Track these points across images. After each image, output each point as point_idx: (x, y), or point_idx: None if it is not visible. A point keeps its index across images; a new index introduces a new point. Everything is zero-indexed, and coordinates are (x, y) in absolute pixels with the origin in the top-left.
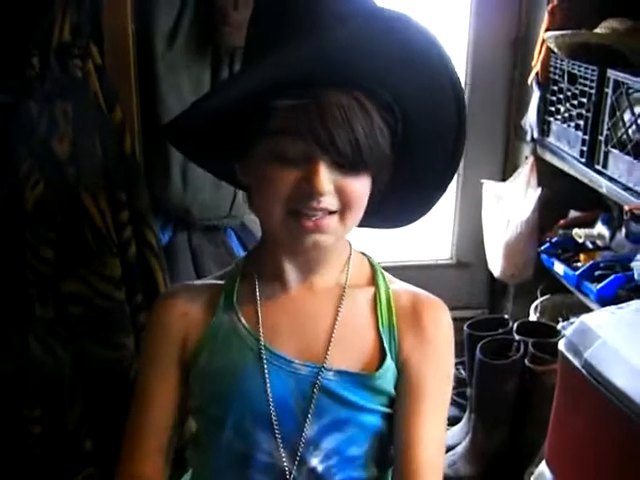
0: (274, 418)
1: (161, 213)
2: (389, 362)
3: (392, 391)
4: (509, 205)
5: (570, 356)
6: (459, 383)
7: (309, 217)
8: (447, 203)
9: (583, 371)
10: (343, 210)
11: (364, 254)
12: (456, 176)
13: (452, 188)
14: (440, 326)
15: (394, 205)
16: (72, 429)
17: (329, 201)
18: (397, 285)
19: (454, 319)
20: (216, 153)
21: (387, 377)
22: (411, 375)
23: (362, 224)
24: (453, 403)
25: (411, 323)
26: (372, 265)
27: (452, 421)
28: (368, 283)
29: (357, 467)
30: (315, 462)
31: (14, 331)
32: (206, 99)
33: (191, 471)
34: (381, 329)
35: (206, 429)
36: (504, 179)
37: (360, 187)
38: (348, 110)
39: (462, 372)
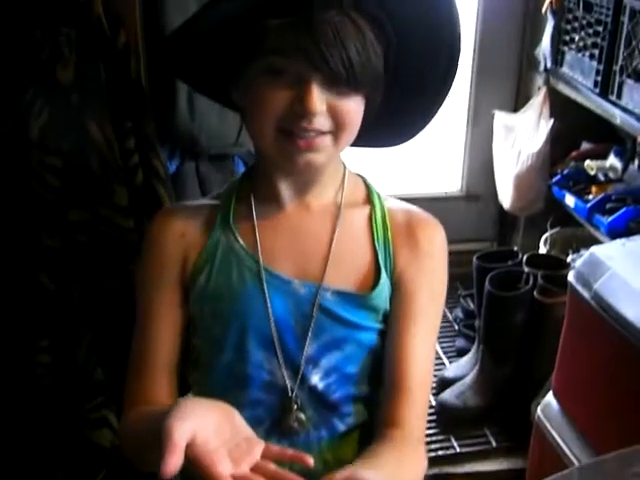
0: (275, 337)
1: (168, 142)
2: (384, 279)
3: (387, 307)
4: (520, 137)
5: (579, 287)
6: (468, 315)
7: (301, 137)
8: (457, 134)
9: (592, 302)
10: (336, 131)
11: (358, 175)
12: (467, 107)
13: (463, 119)
14: (434, 242)
15: (387, 124)
16: (82, 359)
17: (321, 122)
18: (392, 203)
19: (463, 252)
20: (211, 75)
21: (383, 295)
22: (405, 290)
23: (355, 144)
24: (461, 335)
25: (406, 239)
26: (367, 185)
27: (460, 352)
28: (363, 202)
29: (354, 384)
30: (315, 380)
31: (22, 262)
32: (201, 14)
33: (192, 392)
34: (377, 246)
35: (206, 350)
36: (516, 110)
37: (353, 107)
38: (341, 28)
39: (471, 304)
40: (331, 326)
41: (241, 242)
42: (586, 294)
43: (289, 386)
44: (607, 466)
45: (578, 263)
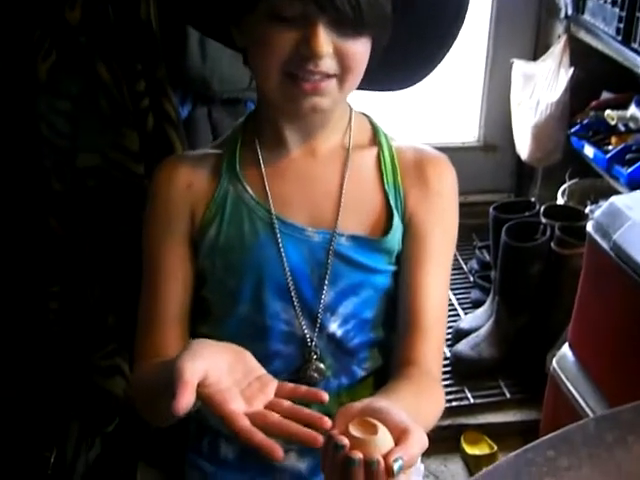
0: (291, 287)
1: (180, 87)
2: (397, 221)
3: (400, 248)
4: (539, 86)
5: (598, 238)
6: (483, 266)
7: (307, 80)
8: (475, 83)
9: (611, 253)
10: (342, 74)
11: (364, 114)
12: (485, 55)
13: (480, 67)
14: (444, 179)
15: (393, 67)
16: (93, 305)
17: (328, 64)
18: (399, 142)
19: (479, 203)
20: (216, 18)
21: (396, 237)
22: (417, 230)
23: (361, 87)
24: (476, 286)
25: (415, 178)
26: (373, 125)
27: (476, 304)
28: (370, 143)
29: (371, 329)
30: (334, 327)
31: (32, 207)
32: None
33: None
34: (387, 188)
35: (220, 303)
36: (535, 58)
37: (360, 49)
38: None
39: (486, 256)
40: (347, 272)
41: (250, 191)
42: (605, 244)
43: (307, 336)
44: (623, 416)
45: (597, 213)
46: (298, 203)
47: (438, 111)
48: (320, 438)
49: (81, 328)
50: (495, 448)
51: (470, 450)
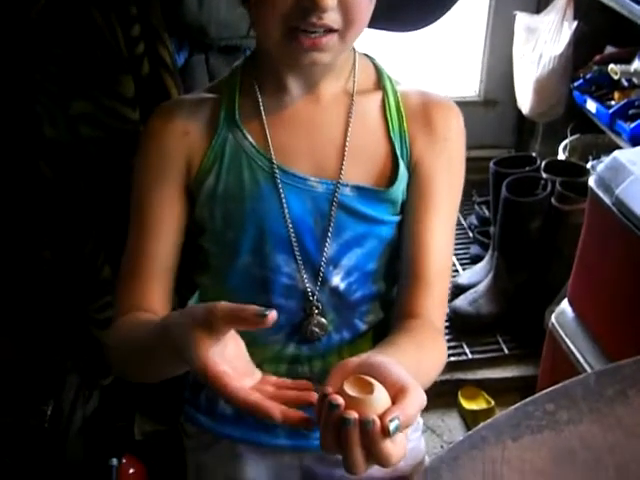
0: (293, 239)
1: (176, 34)
2: (402, 170)
3: (405, 198)
4: (542, 39)
5: (600, 193)
6: (482, 222)
7: (308, 34)
8: (476, 36)
9: (613, 208)
10: (344, 29)
11: (368, 56)
12: (486, 7)
13: (482, 20)
14: (451, 125)
15: (404, 7)
16: (87, 256)
17: (332, 17)
18: (404, 86)
19: (480, 158)
20: None
21: (401, 187)
22: (422, 177)
23: (370, 26)
24: (475, 242)
25: (422, 124)
26: (377, 68)
27: (474, 260)
28: (375, 87)
29: (374, 281)
30: (337, 280)
31: (24, 154)
32: None
33: (199, 293)
34: (392, 135)
35: (220, 254)
36: (538, 11)
37: (365, 2)
38: None
39: (486, 211)
40: (351, 223)
41: (250, 139)
42: (607, 199)
43: (309, 289)
44: (624, 371)
45: (599, 168)
46: (300, 152)
47: (438, 65)
48: (314, 395)
49: (76, 279)
50: (492, 403)
51: (468, 405)
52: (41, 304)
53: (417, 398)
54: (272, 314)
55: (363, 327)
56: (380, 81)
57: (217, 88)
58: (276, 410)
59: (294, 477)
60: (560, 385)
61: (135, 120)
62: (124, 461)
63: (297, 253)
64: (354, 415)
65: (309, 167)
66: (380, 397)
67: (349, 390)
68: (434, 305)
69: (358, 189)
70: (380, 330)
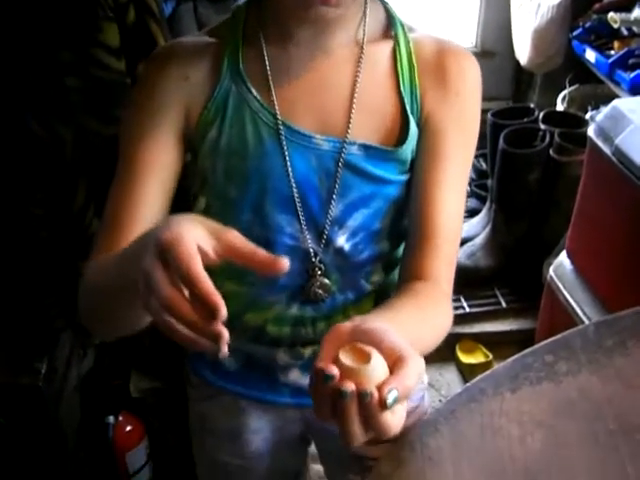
0: (297, 198)
1: None
2: (413, 128)
3: (415, 155)
4: None
5: (600, 143)
6: (479, 175)
7: None
8: None
9: (613, 158)
10: None
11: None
12: None
13: None
14: (466, 77)
15: None
16: (77, 211)
17: None
18: (419, 33)
19: None
20: None
21: (410, 145)
22: (433, 133)
23: None
24: (473, 195)
25: (434, 76)
26: (389, 13)
27: (471, 213)
28: (385, 36)
29: (379, 241)
30: (342, 241)
31: (10, 107)
32: None
33: None
34: (402, 90)
35: (220, 210)
36: None
37: None
38: None
39: (483, 164)
40: (358, 183)
41: (254, 93)
42: (607, 149)
43: (312, 250)
44: (623, 322)
45: (599, 117)
46: (306, 107)
47: (435, 16)
48: (285, 263)
49: (66, 235)
50: (490, 357)
51: (465, 359)
52: (33, 260)
53: (415, 368)
54: (284, 263)
55: (368, 287)
56: (391, 28)
57: (218, 32)
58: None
59: (296, 429)
60: (559, 336)
61: (120, 70)
62: (121, 419)
63: (300, 213)
64: (351, 387)
65: (314, 124)
66: (377, 367)
67: (344, 359)
68: (442, 267)
69: (366, 148)
70: (384, 291)
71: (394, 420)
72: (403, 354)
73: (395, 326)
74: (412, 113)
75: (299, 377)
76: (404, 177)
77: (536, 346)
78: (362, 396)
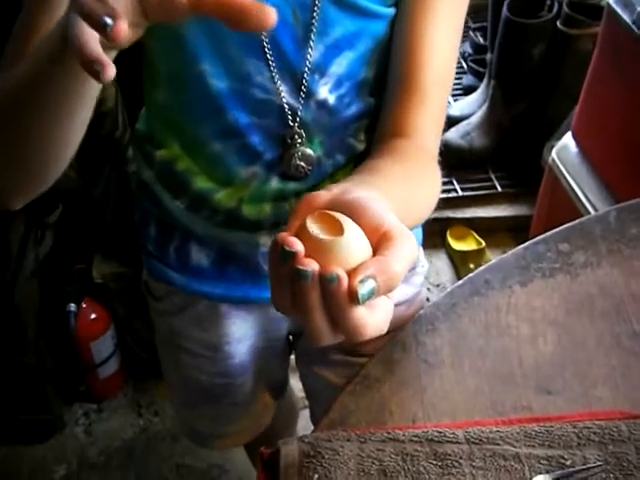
0: (264, 38)
1: None
2: None
3: None
4: None
5: (619, 9)
6: (477, 50)
7: None
8: None
9: (633, 27)
10: None
11: None
12: None
13: None
14: None
15: None
16: None
17: None
18: None
19: None
20: None
21: None
22: None
23: None
24: (469, 71)
25: None
26: None
27: (468, 91)
28: None
29: (369, 93)
30: (324, 92)
31: None
32: None
33: (146, 111)
34: None
35: (170, 58)
36: None
37: None
38: None
39: (481, 39)
40: (340, 18)
41: None
42: (627, 17)
43: (289, 105)
44: None
45: None
46: None
47: None
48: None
49: None
50: (483, 244)
51: (456, 245)
52: None
53: (406, 249)
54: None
55: (360, 147)
56: None
57: None
58: None
59: (283, 328)
60: (576, 222)
61: None
62: (84, 306)
63: (270, 58)
64: (312, 266)
65: None
66: (353, 241)
67: (312, 228)
68: (428, 122)
69: None
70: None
71: (372, 318)
72: (390, 230)
73: (384, 196)
74: None
75: None
76: (391, 10)
77: (549, 233)
78: (326, 280)
